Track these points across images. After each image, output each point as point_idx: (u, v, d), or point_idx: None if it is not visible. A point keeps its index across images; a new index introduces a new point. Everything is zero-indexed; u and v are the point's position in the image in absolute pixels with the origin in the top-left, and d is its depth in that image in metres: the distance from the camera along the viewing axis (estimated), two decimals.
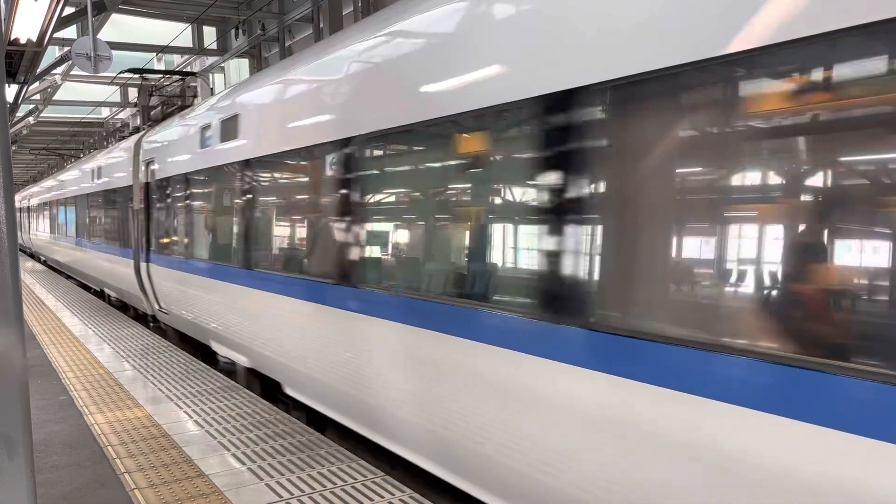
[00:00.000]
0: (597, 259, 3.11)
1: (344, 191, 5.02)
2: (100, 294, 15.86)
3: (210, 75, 21.35)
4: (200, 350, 8.91)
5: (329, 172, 5.26)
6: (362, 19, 6.20)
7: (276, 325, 6.20)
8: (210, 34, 19.79)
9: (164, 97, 20.92)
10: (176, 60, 24.21)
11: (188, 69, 23.31)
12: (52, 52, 18.01)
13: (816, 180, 2.51)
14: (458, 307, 3.92)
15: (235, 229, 7.05)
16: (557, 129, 3.26)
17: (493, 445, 3.70)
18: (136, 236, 11.04)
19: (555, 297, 3.27)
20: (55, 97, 24.98)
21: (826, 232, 2.48)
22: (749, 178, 2.70)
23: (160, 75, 16.89)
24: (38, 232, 26.34)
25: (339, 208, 5.09)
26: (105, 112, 31.02)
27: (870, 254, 2.35)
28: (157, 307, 10.61)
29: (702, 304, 2.81)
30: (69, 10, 12.76)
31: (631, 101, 2.98)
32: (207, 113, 8.16)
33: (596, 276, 3.12)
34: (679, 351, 2.72)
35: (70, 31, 15.24)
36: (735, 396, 2.55)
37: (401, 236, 4.75)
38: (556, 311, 3.25)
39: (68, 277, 19.83)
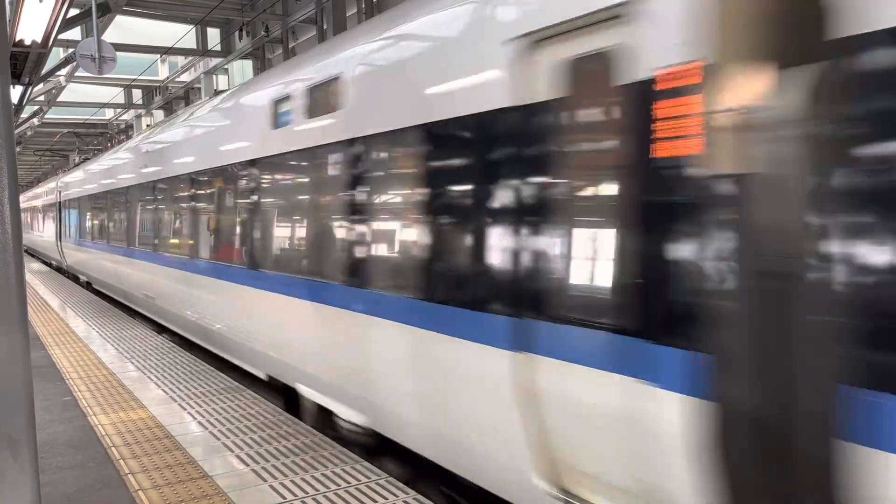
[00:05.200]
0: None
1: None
2: (101, 295, 15.95)
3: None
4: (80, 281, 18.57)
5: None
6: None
7: (91, 262, 15.59)
8: (214, 36, 19.82)
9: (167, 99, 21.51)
10: (180, 62, 24.26)
11: (192, 71, 23.34)
12: (57, 54, 18.08)
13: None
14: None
15: (88, 224, 15.80)
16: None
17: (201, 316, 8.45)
18: (57, 229, 21.06)
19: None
20: (59, 99, 25.05)
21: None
22: None
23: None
24: None
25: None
26: (109, 113, 31.10)
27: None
28: (66, 264, 20.38)
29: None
30: (74, 12, 12.78)
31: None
32: (83, 169, 17.75)
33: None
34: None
35: (74, 33, 15.27)
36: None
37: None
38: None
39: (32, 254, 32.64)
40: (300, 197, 5.73)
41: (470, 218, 3.66)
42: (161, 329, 11.03)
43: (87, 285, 17.49)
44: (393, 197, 4.48)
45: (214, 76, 21.73)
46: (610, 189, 2.96)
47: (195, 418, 5.87)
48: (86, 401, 6.47)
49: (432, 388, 4.06)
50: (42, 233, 26.66)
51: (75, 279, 19.42)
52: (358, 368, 4.79)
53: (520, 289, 3.34)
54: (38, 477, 2.69)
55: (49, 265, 25.84)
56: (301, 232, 5.69)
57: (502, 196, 3.42)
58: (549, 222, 3.21)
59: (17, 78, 11.36)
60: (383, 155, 4.54)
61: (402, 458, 4.96)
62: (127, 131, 31.34)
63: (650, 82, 2.67)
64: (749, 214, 2.51)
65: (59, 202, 21.03)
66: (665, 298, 2.67)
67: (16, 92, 13.38)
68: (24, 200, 33.13)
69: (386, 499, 4.17)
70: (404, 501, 4.13)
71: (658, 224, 2.70)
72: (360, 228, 4.69)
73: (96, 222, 14.84)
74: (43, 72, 13.50)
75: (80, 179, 17.50)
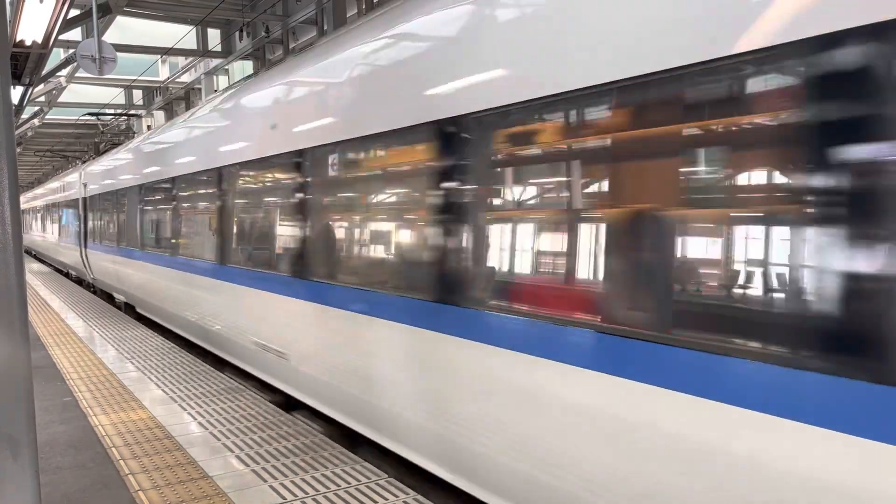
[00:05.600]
0: None
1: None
2: (105, 295, 15.92)
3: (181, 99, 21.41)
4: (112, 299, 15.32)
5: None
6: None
7: (142, 281, 11.41)
8: (214, 36, 19.83)
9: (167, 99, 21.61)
10: (180, 63, 24.28)
11: (193, 71, 23.36)
12: (57, 55, 18.10)
13: None
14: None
15: (136, 227, 11.53)
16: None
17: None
18: (79, 232, 17.02)
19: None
20: (60, 99, 25.07)
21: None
22: None
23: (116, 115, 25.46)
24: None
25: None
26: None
27: None
28: (92, 276, 16.45)
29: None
30: (74, 13, 12.79)
31: None
32: (111, 157, 14.28)
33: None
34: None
35: (75, 34, 15.29)
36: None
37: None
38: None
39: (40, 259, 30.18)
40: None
41: None
42: (285, 400, 6.72)
43: (128, 308, 13.38)
44: (118, 213, 8.49)
45: (215, 77, 21.76)
46: None
47: (195, 419, 5.87)
48: (86, 401, 6.47)
49: None
50: (57, 236, 22.22)
51: (108, 298, 15.37)
52: None
53: None
54: (38, 477, 2.69)
55: (66, 274, 22.03)
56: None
57: None
58: None
59: (17, 78, 11.37)
60: None
61: (401, 459, 4.96)
62: (127, 132, 31.36)
63: None
64: None
65: (85, 198, 16.50)
66: None
67: (16, 92, 13.39)
68: (40, 197, 31.14)
69: (386, 499, 4.17)
70: (404, 502, 4.13)
71: None
72: None
73: (157, 225, 10.41)
74: (43, 72, 13.50)
75: (122, 166, 12.88)
